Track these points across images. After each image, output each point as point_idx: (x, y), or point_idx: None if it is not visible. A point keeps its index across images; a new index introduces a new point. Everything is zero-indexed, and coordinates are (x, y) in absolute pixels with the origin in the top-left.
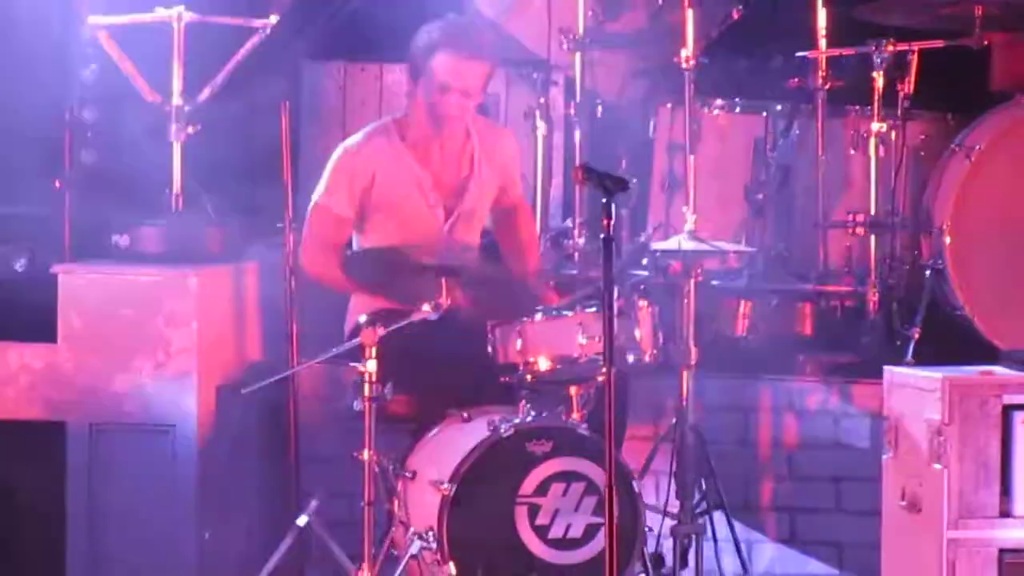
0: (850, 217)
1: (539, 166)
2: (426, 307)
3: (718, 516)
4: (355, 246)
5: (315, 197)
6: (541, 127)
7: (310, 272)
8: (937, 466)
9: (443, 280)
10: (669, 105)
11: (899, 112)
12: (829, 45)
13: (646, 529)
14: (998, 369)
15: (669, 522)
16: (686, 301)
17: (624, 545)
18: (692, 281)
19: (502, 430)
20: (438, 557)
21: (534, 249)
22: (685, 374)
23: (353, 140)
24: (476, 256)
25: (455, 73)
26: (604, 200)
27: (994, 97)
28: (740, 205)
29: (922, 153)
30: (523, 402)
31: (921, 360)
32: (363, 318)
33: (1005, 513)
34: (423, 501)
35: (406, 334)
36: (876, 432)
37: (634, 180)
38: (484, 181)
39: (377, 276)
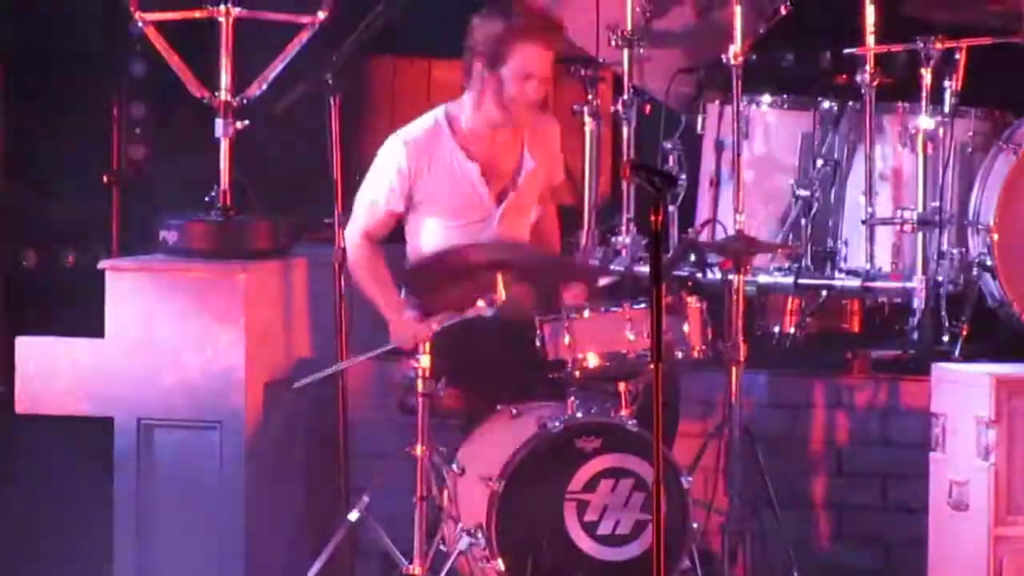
0: (898, 213)
1: (587, 162)
2: (480, 303)
3: (767, 513)
4: (408, 234)
5: (364, 187)
6: (589, 123)
7: (354, 270)
8: (985, 463)
9: (498, 276)
10: (717, 102)
11: (947, 109)
12: (877, 41)
13: (695, 526)
14: None
15: (718, 519)
16: (735, 297)
17: (673, 542)
18: (741, 277)
19: (551, 426)
20: (487, 553)
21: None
22: (734, 370)
23: (402, 133)
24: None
25: (537, 60)
26: (652, 196)
27: None
28: (788, 201)
29: (970, 150)
30: (572, 398)
31: (969, 356)
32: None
33: None
34: (472, 497)
35: (457, 330)
36: (924, 429)
37: (682, 176)
38: (533, 171)
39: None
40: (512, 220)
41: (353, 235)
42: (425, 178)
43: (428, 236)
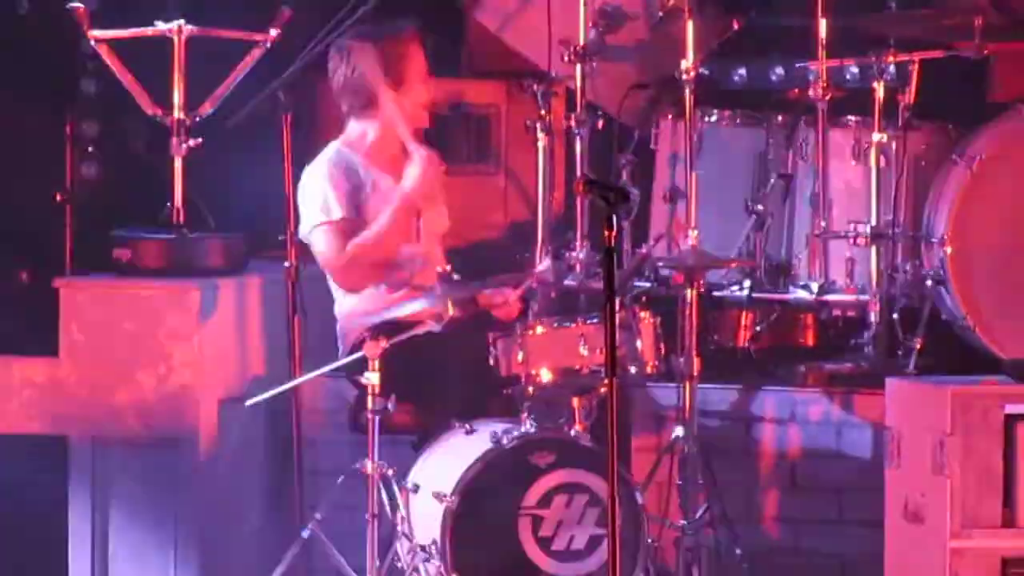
0: (851, 227)
1: (540, 178)
2: (429, 319)
3: (722, 528)
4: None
5: (315, 220)
6: (542, 139)
7: (359, 289)
8: (940, 476)
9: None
10: (670, 116)
11: (900, 122)
12: (829, 56)
13: (649, 541)
14: (1000, 379)
15: (673, 534)
16: (688, 312)
17: (628, 557)
18: (694, 292)
19: (505, 442)
20: (442, 569)
21: None
22: (687, 385)
23: (316, 162)
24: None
25: (425, 61)
26: (605, 212)
27: (995, 107)
28: (741, 216)
29: (923, 163)
30: (525, 414)
31: (923, 370)
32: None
33: (1008, 523)
34: (426, 513)
35: (408, 346)
36: (878, 443)
37: (635, 191)
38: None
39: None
40: (429, 234)
41: (333, 259)
42: (358, 188)
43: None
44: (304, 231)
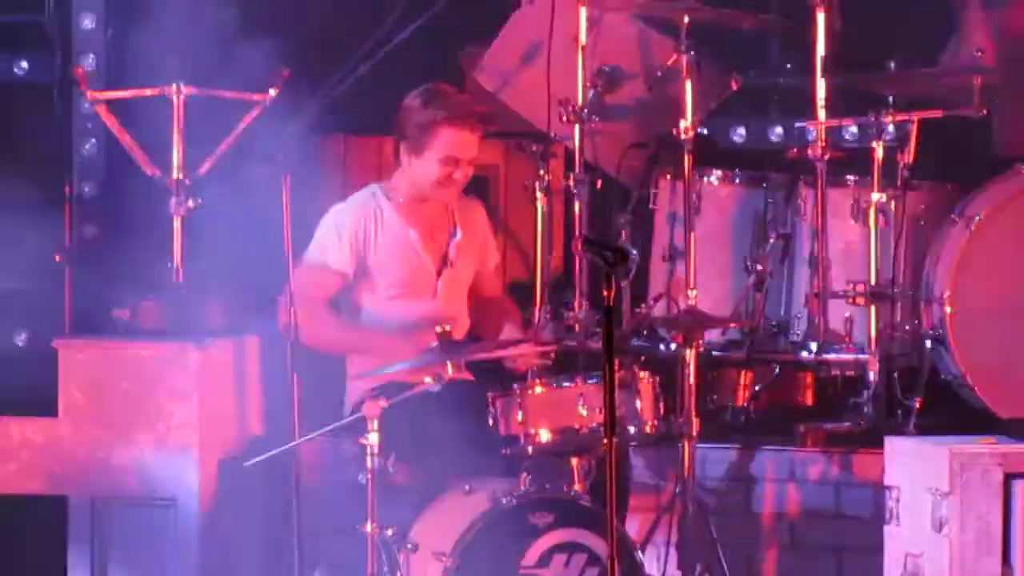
0: (851, 287)
1: (539, 238)
2: (428, 379)
3: None
4: (347, 308)
5: (304, 256)
6: (540, 199)
7: (309, 340)
8: (939, 535)
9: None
10: (669, 176)
11: (899, 182)
12: (828, 115)
13: None
14: (999, 438)
15: None
16: (687, 372)
17: None
18: (693, 352)
19: (503, 501)
20: None
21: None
22: (686, 444)
23: (345, 203)
24: (464, 322)
25: (461, 146)
26: (604, 271)
27: (996, 165)
28: (740, 275)
29: (922, 223)
30: (524, 473)
31: (922, 430)
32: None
33: None
34: (425, 573)
35: (408, 406)
36: (878, 502)
37: (634, 251)
38: (462, 245)
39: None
40: (451, 293)
41: (298, 306)
42: (372, 243)
43: (373, 309)
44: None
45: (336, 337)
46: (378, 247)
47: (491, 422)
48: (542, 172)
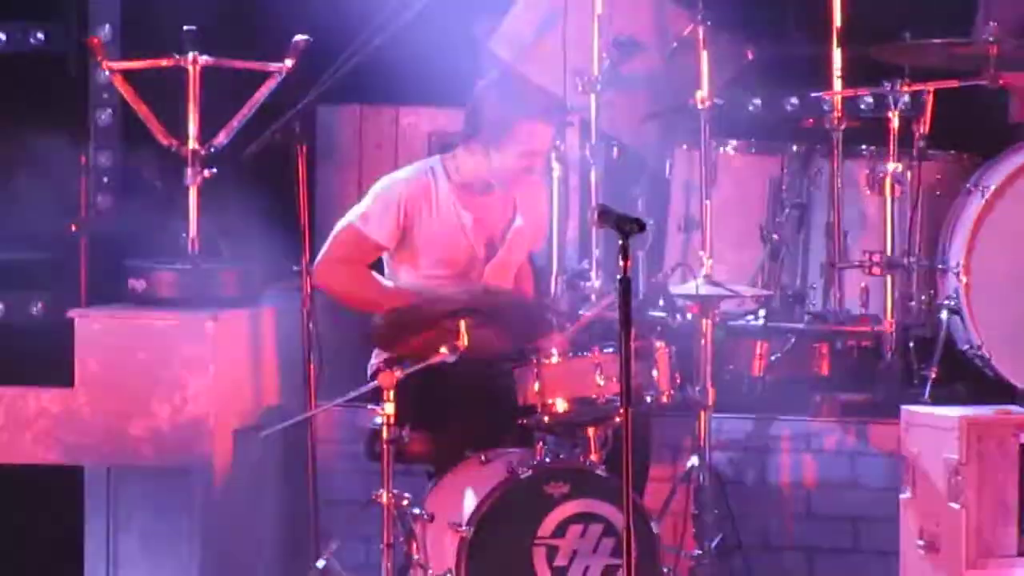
0: (866, 257)
1: (555, 208)
2: (443, 349)
3: (737, 557)
4: (387, 275)
5: (350, 218)
6: (557, 169)
7: (325, 286)
8: (955, 506)
9: (460, 322)
10: (685, 146)
11: (915, 152)
12: (844, 85)
13: (665, 570)
14: (1015, 408)
15: (688, 563)
16: (703, 342)
17: None
18: (709, 322)
19: (520, 472)
20: None
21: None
22: (702, 415)
23: (401, 173)
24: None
25: (541, 139)
26: (620, 241)
27: (1013, 133)
28: (756, 245)
29: (938, 193)
30: (541, 443)
31: (938, 399)
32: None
33: (1023, 552)
34: (441, 543)
35: (424, 376)
36: (893, 472)
37: (651, 221)
38: (521, 230)
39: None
40: (498, 277)
41: (328, 264)
42: (422, 221)
43: (413, 282)
44: (344, 218)
45: (369, 294)
46: (427, 226)
47: (507, 391)
48: (558, 142)
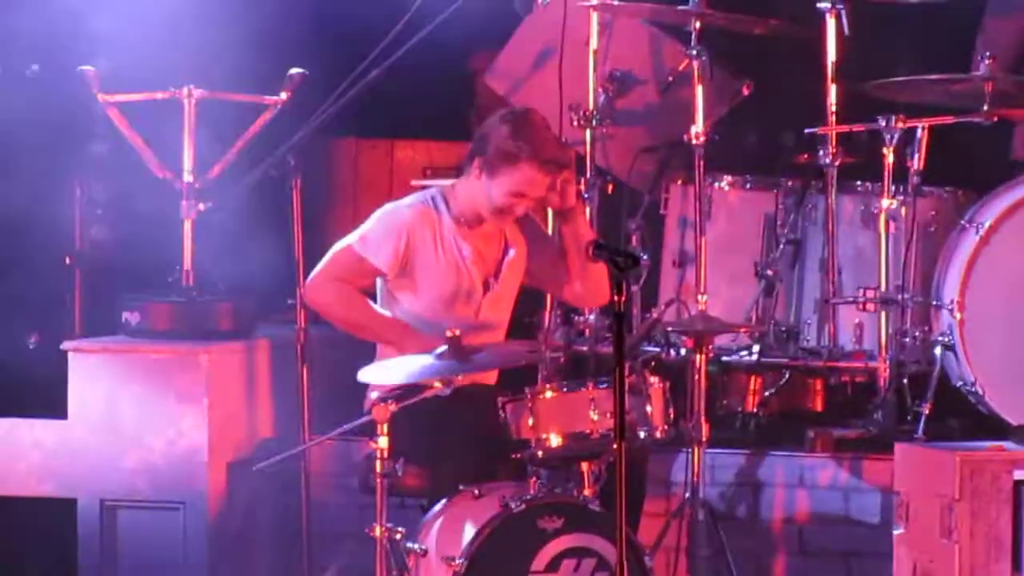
0: (861, 293)
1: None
2: (437, 383)
3: None
4: (382, 301)
5: (350, 240)
6: None
7: (315, 302)
8: (948, 541)
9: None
10: (680, 181)
11: (909, 188)
12: (839, 121)
13: None
14: (1009, 444)
15: None
16: (697, 377)
17: None
18: (703, 357)
19: (513, 506)
20: None
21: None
22: (696, 450)
23: (402, 202)
24: (501, 335)
25: (535, 184)
26: (615, 276)
27: (1008, 170)
28: (751, 281)
29: (932, 229)
30: (534, 478)
31: (932, 436)
32: (375, 394)
33: None
34: None
35: (418, 410)
36: (887, 508)
37: (645, 256)
38: (514, 263)
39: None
40: (494, 309)
41: (322, 280)
42: (425, 251)
43: (411, 309)
44: (343, 239)
45: (358, 317)
46: (429, 257)
47: (501, 426)
48: None
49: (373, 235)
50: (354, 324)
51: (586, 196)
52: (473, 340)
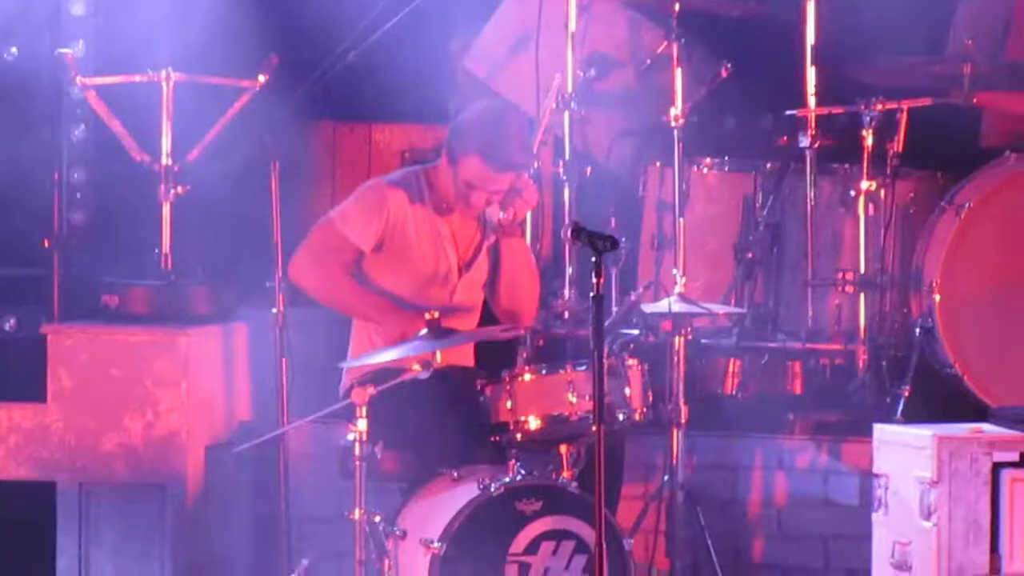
0: (840, 275)
1: (528, 225)
2: (416, 366)
3: (708, 575)
4: (359, 276)
5: (332, 216)
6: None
7: (297, 279)
8: (927, 524)
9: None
10: (658, 164)
11: (888, 170)
12: (818, 103)
13: None
14: (988, 427)
15: None
16: (676, 360)
17: None
18: (682, 340)
19: (492, 489)
20: None
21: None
22: (675, 432)
23: (385, 178)
24: (475, 318)
25: (484, 179)
26: (594, 259)
27: (984, 155)
28: (730, 263)
29: (911, 211)
30: (513, 460)
31: (911, 418)
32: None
33: (995, 571)
34: (414, 560)
35: (396, 393)
36: (866, 490)
37: (624, 239)
38: (490, 247)
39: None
40: (469, 292)
41: (303, 257)
42: (405, 228)
43: (385, 288)
44: (325, 215)
45: (340, 295)
46: (406, 236)
47: (480, 408)
48: (536, 163)
49: (352, 211)
50: (336, 301)
51: (564, 179)
52: (447, 323)
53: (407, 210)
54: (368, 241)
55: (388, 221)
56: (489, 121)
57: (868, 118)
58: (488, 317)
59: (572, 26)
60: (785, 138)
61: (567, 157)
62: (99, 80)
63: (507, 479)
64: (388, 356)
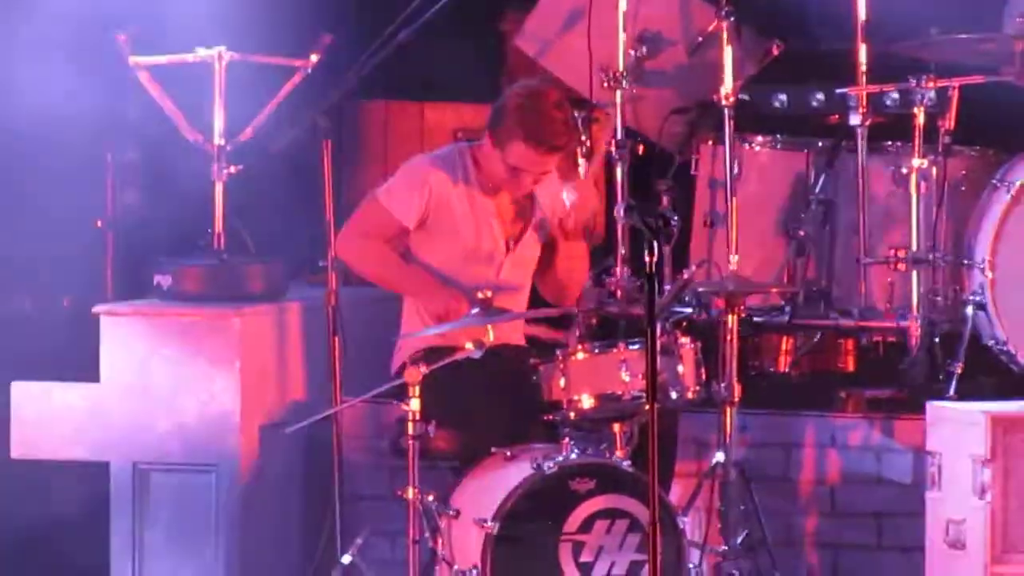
0: (892, 253)
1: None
2: (469, 345)
3: (762, 553)
4: (407, 252)
5: (378, 192)
6: (582, 164)
7: (344, 255)
8: (980, 501)
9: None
10: (710, 142)
11: (940, 148)
12: (870, 81)
13: (690, 566)
14: None
15: (713, 559)
16: (729, 338)
17: None
18: (734, 318)
19: (545, 468)
20: None
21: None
22: (728, 410)
23: (429, 155)
24: (524, 298)
25: (530, 163)
26: (646, 237)
27: None
28: (782, 241)
29: (963, 188)
30: (566, 439)
31: (964, 395)
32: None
33: None
34: (467, 539)
35: (449, 372)
36: (919, 468)
37: (676, 217)
38: (538, 224)
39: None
40: (516, 268)
41: (350, 234)
42: (446, 204)
43: (431, 264)
44: (372, 192)
45: (384, 270)
46: (452, 211)
47: (534, 387)
48: (584, 138)
49: (396, 187)
50: (380, 276)
51: (616, 157)
52: (495, 302)
53: (450, 186)
54: (411, 217)
55: (431, 197)
56: (528, 105)
57: (920, 95)
58: (536, 301)
59: (623, 4)
60: (837, 115)
61: (619, 135)
62: (151, 59)
63: (560, 458)
64: (441, 330)
